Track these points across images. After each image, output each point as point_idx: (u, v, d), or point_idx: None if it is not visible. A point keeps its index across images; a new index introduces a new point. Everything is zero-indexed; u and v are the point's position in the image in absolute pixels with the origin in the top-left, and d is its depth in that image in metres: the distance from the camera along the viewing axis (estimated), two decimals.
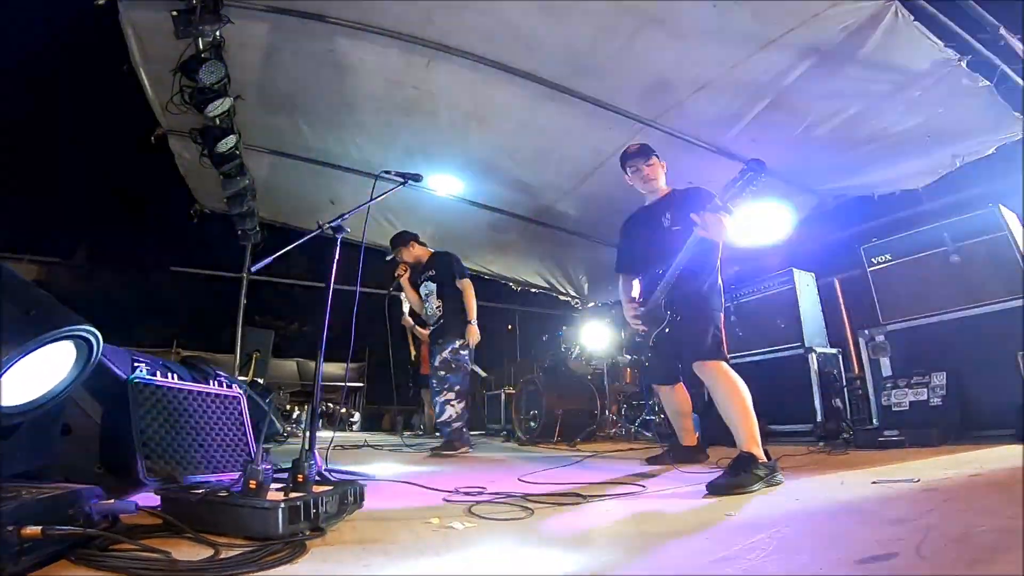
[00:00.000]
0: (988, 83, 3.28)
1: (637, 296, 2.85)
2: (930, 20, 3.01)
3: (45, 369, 1.23)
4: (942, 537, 1.13)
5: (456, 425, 3.96)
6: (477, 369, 8.94)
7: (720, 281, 2.62)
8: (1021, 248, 3.23)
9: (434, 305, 4.22)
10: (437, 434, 6.46)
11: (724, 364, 2.37)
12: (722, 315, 2.55)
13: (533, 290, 7.86)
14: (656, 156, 2.83)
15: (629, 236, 2.98)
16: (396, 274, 4.31)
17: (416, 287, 4.36)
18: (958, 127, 3.71)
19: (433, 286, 4.25)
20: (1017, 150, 3.66)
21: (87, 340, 1.27)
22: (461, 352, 4.06)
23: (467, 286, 4.14)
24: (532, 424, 5.25)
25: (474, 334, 4.06)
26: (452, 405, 3.96)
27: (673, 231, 2.56)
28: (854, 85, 3.52)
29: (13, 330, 1.10)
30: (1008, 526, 1.19)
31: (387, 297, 3.47)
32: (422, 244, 4.50)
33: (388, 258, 4.31)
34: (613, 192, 5.03)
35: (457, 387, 4.00)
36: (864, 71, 3.38)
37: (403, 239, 4.39)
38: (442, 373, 4.02)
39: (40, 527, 0.94)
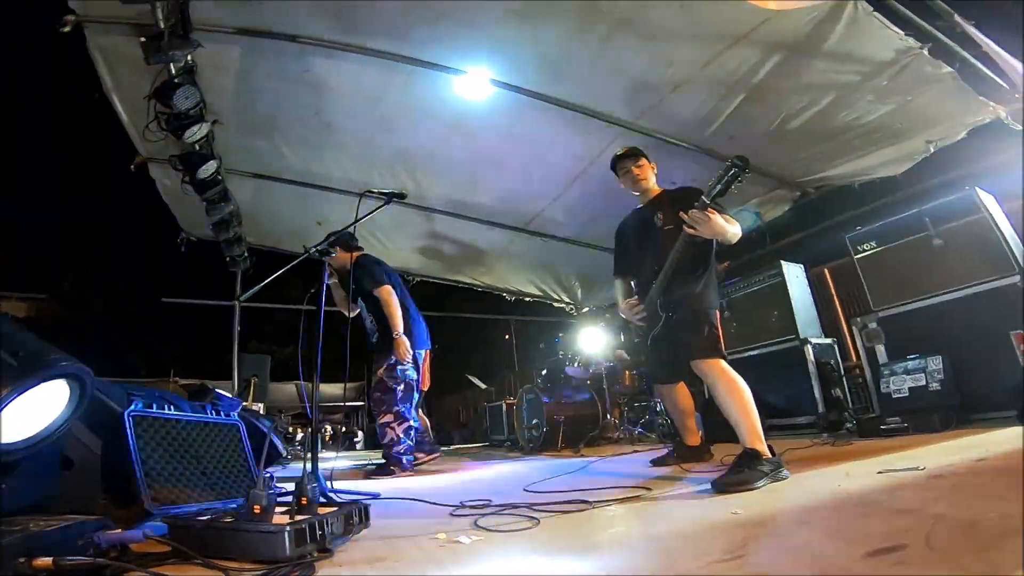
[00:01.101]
0: (951, 69, 3.36)
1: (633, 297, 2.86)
2: (888, 10, 3.08)
3: (41, 407, 1.24)
4: (951, 526, 1.13)
5: (398, 448, 3.64)
6: (476, 381, 8.98)
7: (715, 278, 2.65)
8: (1001, 229, 3.28)
9: (368, 321, 3.91)
10: (440, 448, 6.43)
11: (722, 362, 2.38)
12: (718, 312, 2.57)
13: (527, 299, 7.87)
14: (646, 157, 2.86)
15: (624, 239, 3.00)
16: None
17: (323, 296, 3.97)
18: (928, 114, 3.78)
19: (362, 303, 3.93)
20: (990, 132, 3.75)
21: (79, 377, 1.28)
22: (398, 368, 3.71)
23: (384, 293, 3.72)
24: (535, 433, 5.24)
25: (401, 347, 3.64)
26: (392, 428, 3.65)
27: (666, 231, 2.58)
28: (823, 77, 3.59)
29: (3, 374, 1.11)
30: (1016, 511, 1.19)
31: (307, 298, 2.73)
32: (353, 249, 3.88)
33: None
34: (598, 196, 5.08)
35: (396, 408, 3.68)
36: (831, 63, 3.45)
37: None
38: (378, 395, 3.69)
39: (51, 558, 0.95)
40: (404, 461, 3.69)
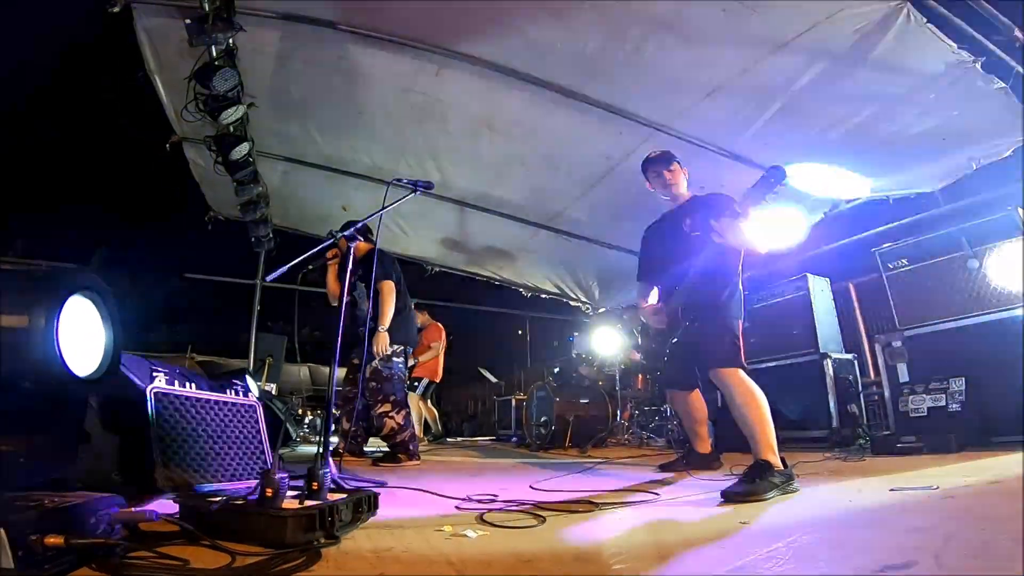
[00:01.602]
0: (1004, 85, 3.24)
1: (655, 301, 2.83)
2: (943, 22, 2.97)
3: (86, 339, 1.30)
4: (962, 546, 1.12)
5: (401, 437, 3.66)
6: (487, 374, 9.01)
7: (741, 288, 2.61)
8: None
9: (364, 306, 3.84)
10: (447, 439, 6.48)
11: (741, 372, 2.35)
12: (740, 322, 2.53)
13: (544, 296, 7.85)
14: (678, 162, 2.82)
15: (650, 243, 2.98)
16: (328, 256, 3.79)
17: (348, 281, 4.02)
18: (974, 129, 3.66)
19: (363, 286, 3.92)
20: None
21: (97, 289, 1.34)
22: (394, 360, 3.78)
23: (386, 289, 3.74)
24: (543, 430, 5.24)
25: (381, 342, 3.65)
26: (392, 417, 3.66)
27: (693, 237, 2.53)
28: (867, 88, 3.49)
29: (34, 291, 1.16)
30: None
31: (301, 277, 2.89)
32: (369, 240, 3.97)
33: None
34: (623, 197, 5.04)
35: (393, 397, 3.71)
36: (877, 74, 3.35)
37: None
38: (374, 384, 3.71)
39: (63, 536, 0.96)
40: (412, 448, 3.72)
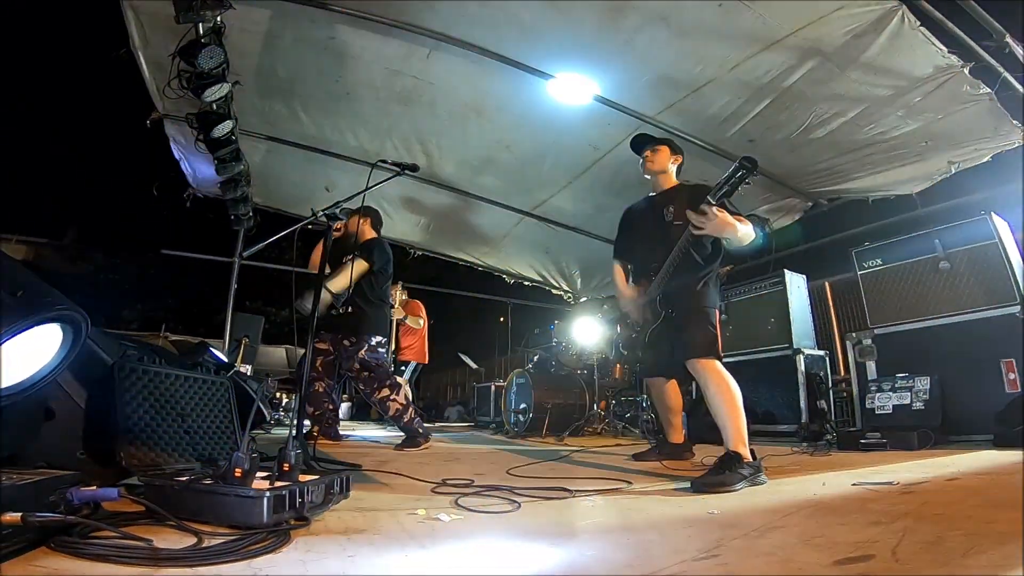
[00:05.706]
0: (989, 90, 3.28)
1: (632, 288, 2.84)
2: (935, 25, 2.99)
3: (30, 352, 1.22)
4: (917, 540, 1.15)
5: (407, 418, 3.72)
6: (467, 360, 9.01)
7: (717, 277, 2.63)
8: (1010, 257, 3.27)
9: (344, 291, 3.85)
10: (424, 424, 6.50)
11: (717, 363, 2.37)
12: (717, 312, 2.56)
13: (526, 283, 7.86)
14: (668, 145, 2.81)
15: (629, 224, 2.97)
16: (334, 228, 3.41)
17: (337, 261, 3.90)
18: (956, 133, 3.72)
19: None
20: (1014, 158, 3.69)
21: (74, 323, 1.26)
22: (379, 350, 3.83)
23: (357, 265, 3.66)
24: (521, 417, 5.27)
25: (307, 298, 3.39)
26: (394, 400, 3.71)
27: (675, 225, 2.54)
28: (855, 88, 3.52)
29: (2, 310, 1.09)
30: (981, 530, 1.22)
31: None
32: (374, 227, 4.14)
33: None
34: (609, 187, 5.06)
35: (388, 381, 3.77)
36: (866, 75, 3.38)
37: (362, 211, 3.77)
38: (366, 374, 3.76)
39: (20, 514, 0.93)
40: (421, 430, 3.77)
